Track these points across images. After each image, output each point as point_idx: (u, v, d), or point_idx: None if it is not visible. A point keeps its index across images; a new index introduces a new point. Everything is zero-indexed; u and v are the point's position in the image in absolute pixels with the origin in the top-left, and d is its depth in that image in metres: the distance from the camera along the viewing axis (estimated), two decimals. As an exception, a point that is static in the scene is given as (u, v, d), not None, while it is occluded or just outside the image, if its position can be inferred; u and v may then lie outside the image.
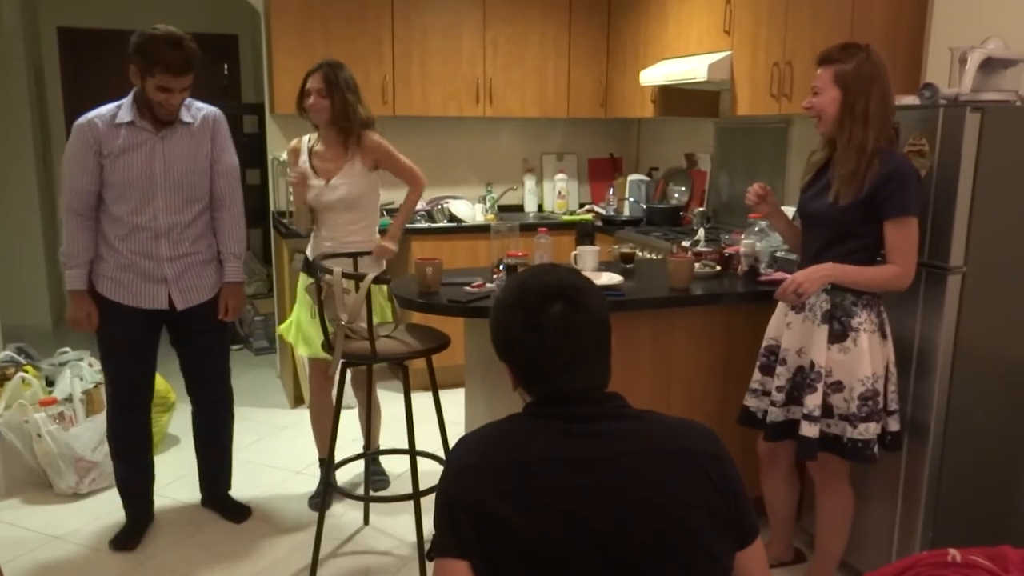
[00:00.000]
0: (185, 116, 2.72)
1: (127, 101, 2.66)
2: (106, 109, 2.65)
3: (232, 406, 3.13)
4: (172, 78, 2.54)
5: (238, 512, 3.12)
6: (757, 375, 2.54)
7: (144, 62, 2.53)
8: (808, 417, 2.32)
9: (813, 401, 2.31)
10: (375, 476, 3.41)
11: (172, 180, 2.68)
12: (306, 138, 3.11)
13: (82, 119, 2.64)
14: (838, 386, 2.30)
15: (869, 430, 2.28)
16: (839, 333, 2.29)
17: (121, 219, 2.67)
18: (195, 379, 3.02)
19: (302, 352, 3.23)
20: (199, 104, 2.78)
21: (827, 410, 2.33)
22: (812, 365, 2.32)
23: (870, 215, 2.22)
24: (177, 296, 2.77)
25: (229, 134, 2.85)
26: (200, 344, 2.96)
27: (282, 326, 3.30)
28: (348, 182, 3.00)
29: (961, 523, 2.49)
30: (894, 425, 2.36)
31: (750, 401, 2.56)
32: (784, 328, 2.45)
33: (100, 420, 3.31)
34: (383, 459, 3.50)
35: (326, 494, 2.80)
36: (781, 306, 2.48)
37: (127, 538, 2.89)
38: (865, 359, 2.26)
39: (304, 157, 3.06)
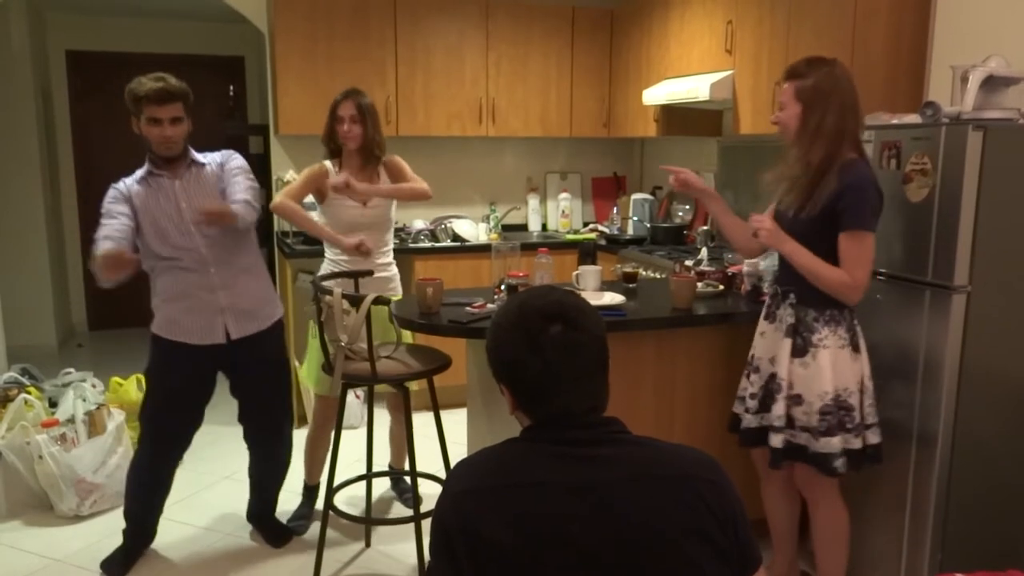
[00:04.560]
0: (198, 158, 2.79)
1: (145, 163, 2.75)
2: (128, 178, 2.75)
3: (290, 455, 3.12)
4: (156, 107, 2.61)
5: (279, 534, 3.11)
6: (743, 382, 2.56)
7: (132, 102, 2.63)
8: (773, 427, 2.36)
9: (777, 411, 2.35)
10: (407, 495, 3.42)
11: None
12: (328, 163, 3.11)
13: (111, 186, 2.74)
14: (798, 399, 2.33)
15: (831, 444, 2.29)
16: (800, 348, 2.32)
17: (167, 257, 2.69)
18: (256, 432, 3.01)
19: (311, 386, 3.24)
20: (212, 154, 2.83)
21: (790, 421, 2.35)
22: (774, 376, 2.36)
23: (830, 228, 2.23)
24: (232, 324, 2.76)
25: (243, 159, 2.86)
26: (261, 389, 2.93)
27: (303, 373, 3.30)
28: (385, 202, 3.10)
29: (971, 545, 2.45)
30: (874, 438, 2.35)
31: (737, 408, 2.58)
32: (759, 337, 2.47)
33: (102, 441, 3.31)
34: (390, 479, 3.49)
35: (325, 516, 2.78)
36: (761, 317, 2.51)
37: (118, 563, 2.87)
38: (825, 375, 2.27)
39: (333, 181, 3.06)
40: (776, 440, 2.36)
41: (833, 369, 2.27)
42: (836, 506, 2.44)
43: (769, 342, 2.43)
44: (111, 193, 2.70)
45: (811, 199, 2.24)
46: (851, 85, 2.25)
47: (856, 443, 2.31)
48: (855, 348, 2.31)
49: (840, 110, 2.22)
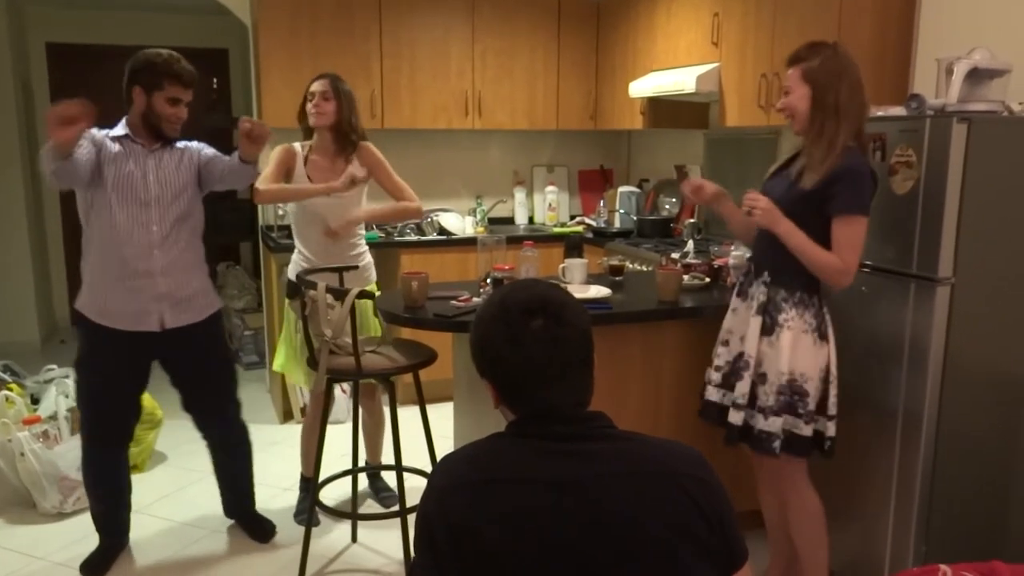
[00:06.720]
0: (176, 142, 2.76)
1: (119, 124, 2.70)
2: (103, 130, 2.69)
3: (248, 440, 3.07)
4: (181, 89, 2.64)
5: (261, 528, 3.08)
6: (714, 353, 2.54)
7: (152, 77, 2.61)
8: (735, 405, 2.35)
9: (740, 389, 2.34)
10: (383, 493, 3.38)
11: (165, 190, 2.67)
12: (298, 145, 3.08)
13: None
14: (763, 378, 2.31)
15: (775, 424, 2.28)
16: (768, 326, 2.31)
17: (113, 226, 2.62)
18: (203, 419, 2.97)
19: (301, 384, 3.20)
20: (188, 142, 2.81)
21: (752, 400, 2.34)
22: (742, 355, 2.36)
23: (818, 209, 2.21)
24: (168, 312, 2.71)
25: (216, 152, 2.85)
26: (201, 380, 2.88)
27: (276, 363, 3.27)
28: (356, 192, 3.03)
29: (955, 538, 2.46)
30: (832, 430, 2.33)
31: (707, 378, 2.55)
32: (731, 313, 2.46)
33: (84, 438, 3.28)
34: (382, 475, 3.47)
35: (311, 511, 2.77)
36: (733, 293, 2.50)
37: (96, 564, 2.83)
38: (784, 356, 2.27)
39: (300, 164, 3.03)
40: (736, 417, 2.35)
41: (792, 351, 2.27)
42: (806, 495, 2.43)
43: (740, 319, 2.42)
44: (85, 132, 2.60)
45: (819, 173, 2.20)
46: (855, 65, 2.22)
47: (806, 430, 2.29)
48: (821, 336, 2.29)
49: (851, 89, 2.19)
